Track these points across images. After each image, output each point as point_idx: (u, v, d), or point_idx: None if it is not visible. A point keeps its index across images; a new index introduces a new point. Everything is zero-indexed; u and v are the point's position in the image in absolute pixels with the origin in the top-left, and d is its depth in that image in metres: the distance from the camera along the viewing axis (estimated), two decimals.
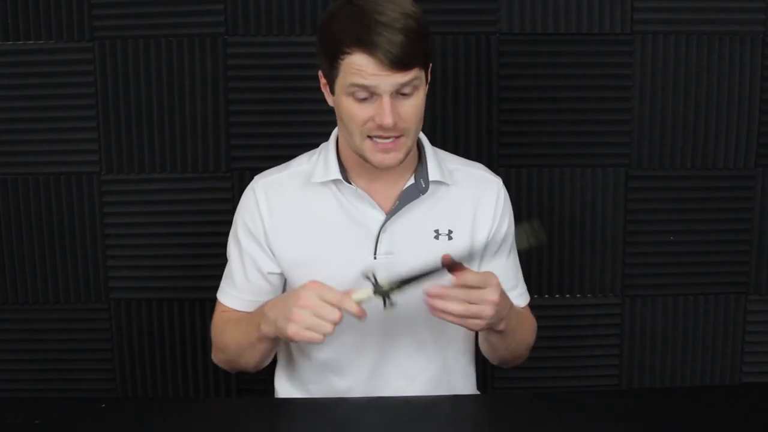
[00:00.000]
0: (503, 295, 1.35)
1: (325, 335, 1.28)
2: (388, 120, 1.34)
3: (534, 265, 2.07)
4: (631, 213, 2.06)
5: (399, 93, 1.35)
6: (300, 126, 1.99)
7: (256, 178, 1.55)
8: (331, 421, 1.34)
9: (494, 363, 1.61)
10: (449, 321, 1.33)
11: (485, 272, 1.33)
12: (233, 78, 1.99)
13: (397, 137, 1.38)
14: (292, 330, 1.29)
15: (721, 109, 2.02)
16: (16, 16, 1.95)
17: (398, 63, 1.31)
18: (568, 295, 2.10)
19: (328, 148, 1.51)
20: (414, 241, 1.47)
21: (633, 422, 1.32)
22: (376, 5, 1.33)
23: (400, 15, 1.32)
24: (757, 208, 2.07)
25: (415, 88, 1.37)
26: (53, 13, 1.95)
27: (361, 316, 1.28)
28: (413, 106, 1.38)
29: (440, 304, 1.30)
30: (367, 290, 1.30)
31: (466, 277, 1.30)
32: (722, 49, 1.99)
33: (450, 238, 1.49)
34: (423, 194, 1.48)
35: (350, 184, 1.47)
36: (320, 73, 1.43)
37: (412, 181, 1.49)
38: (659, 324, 2.11)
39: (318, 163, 1.50)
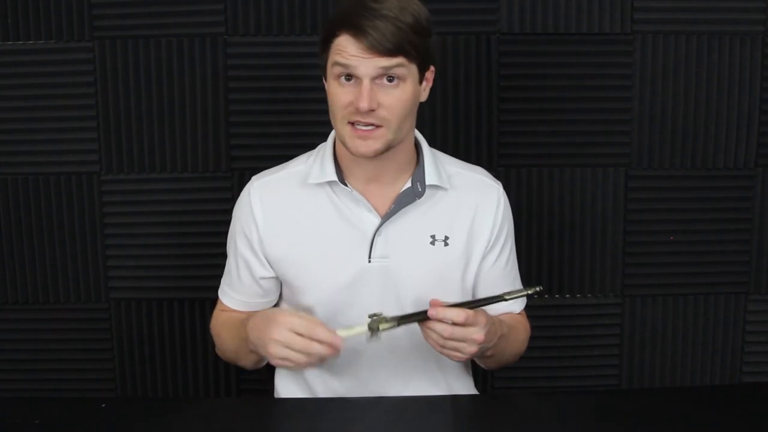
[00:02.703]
0: (490, 331, 1.35)
1: (302, 364, 1.31)
2: (363, 103, 1.34)
3: (534, 265, 2.07)
4: (631, 213, 2.06)
5: (384, 80, 1.35)
6: (300, 126, 1.99)
7: (253, 178, 1.54)
8: (331, 421, 1.34)
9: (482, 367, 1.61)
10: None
11: (476, 311, 1.33)
12: (233, 78, 1.99)
13: (376, 126, 1.37)
14: (272, 361, 1.33)
15: (721, 109, 2.02)
16: (16, 16, 1.95)
17: (379, 47, 1.32)
18: (568, 295, 2.10)
19: (325, 149, 1.50)
20: (409, 245, 1.47)
21: (633, 422, 1.31)
22: None
23: (397, 8, 1.34)
24: (757, 208, 2.07)
25: (401, 78, 1.36)
26: (53, 13, 1.95)
27: (333, 344, 1.29)
28: (397, 97, 1.36)
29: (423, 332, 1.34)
30: (360, 327, 1.32)
31: (455, 315, 1.31)
32: (722, 49, 1.99)
33: (446, 244, 1.48)
34: (419, 198, 1.46)
35: (346, 185, 1.46)
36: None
37: (408, 184, 1.47)
38: (659, 324, 2.11)
39: (314, 164, 1.49)
